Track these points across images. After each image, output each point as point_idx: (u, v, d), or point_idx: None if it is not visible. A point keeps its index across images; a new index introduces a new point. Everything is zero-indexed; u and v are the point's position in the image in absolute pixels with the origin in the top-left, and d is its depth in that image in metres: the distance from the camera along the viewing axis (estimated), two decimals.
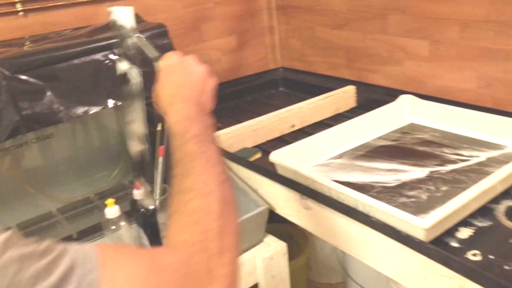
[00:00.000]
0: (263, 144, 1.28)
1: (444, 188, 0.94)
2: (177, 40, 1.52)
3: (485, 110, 1.16)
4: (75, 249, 0.40)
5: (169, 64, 0.64)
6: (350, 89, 1.46)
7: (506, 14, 1.07)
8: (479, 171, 0.98)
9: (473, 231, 0.86)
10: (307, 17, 1.62)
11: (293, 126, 1.34)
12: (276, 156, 1.05)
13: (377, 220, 0.82)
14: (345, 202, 0.89)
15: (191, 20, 1.56)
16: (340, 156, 1.13)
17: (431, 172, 1.00)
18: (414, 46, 1.30)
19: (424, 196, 0.92)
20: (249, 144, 1.25)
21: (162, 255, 0.45)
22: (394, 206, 0.89)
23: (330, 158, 1.12)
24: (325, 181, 0.92)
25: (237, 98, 1.64)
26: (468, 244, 0.83)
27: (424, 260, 0.75)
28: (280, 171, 1.05)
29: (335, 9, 1.50)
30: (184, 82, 0.61)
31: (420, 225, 0.74)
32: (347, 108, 1.45)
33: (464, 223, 0.87)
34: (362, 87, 1.48)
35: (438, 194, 0.92)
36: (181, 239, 0.47)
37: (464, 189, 0.85)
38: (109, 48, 0.98)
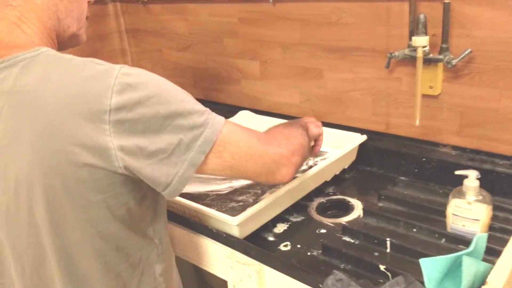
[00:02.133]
0: None
1: (268, 190, 1.06)
2: None
3: None
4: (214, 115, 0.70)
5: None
6: None
7: (314, 38, 1.25)
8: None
9: (288, 225, 0.99)
10: (155, 40, 1.69)
11: None
12: None
13: (195, 222, 0.92)
14: (174, 210, 0.96)
15: None
16: None
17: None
18: (248, 67, 1.44)
19: (251, 199, 1.03)
20: None
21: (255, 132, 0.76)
22: (223, 211, 0.99)
23: None
24: None
25: None
26: (282, 237, 0.95)
27: (231, 251, 0.85)
28: None
29: (178, 33, 1.59)
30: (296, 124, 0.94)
31: (231, 222, 0.84)
32: None
33: (282, 219, 1.00)
34: (209, 105, 1.56)
35: (262, 197, 1.03)
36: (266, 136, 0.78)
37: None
38: None
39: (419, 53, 0.94)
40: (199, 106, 0.68)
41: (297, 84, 1.34)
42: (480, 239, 0.74)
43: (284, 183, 0.85)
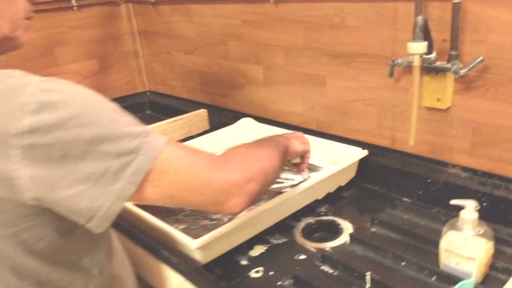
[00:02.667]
0: None
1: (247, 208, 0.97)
2: (28, 64, 1.50)
3: (311, 132, 1.22)
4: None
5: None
6: (202, 113, 1.49)
7: (317, 42, 1.15)
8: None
9: (267, 248, 0.90)
10: (164, 42, 1.64)
11: None
12: None
13: (149, 243, 0.84)
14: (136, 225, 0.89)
15: (43, 44, 1.53)
16: None
17: None
18: (251, 71, 1.36)
19: (226, 218, 0.94)
20: None
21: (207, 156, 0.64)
22: (192, 229, 0.92)
23: None
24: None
25: None
26: (256, 261, 0.86)
27: (181, 280, 0.77)
28: None
29: (185, 35, 1.53)
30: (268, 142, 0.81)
31: (190, 246, 0.76)
32: (200, 131, 1.48)
33: (261, 240, 0.91)
34: (216, 111, 1.52)
35: (241, 215, 0.94)
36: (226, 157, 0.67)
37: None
38: None
39: (416, 62, 0.82)
40: (133, 128, 0.57)
41: (300, 91, 1.25)
42: (464, 287, 0.62)
43: (236, 214, 0.74)
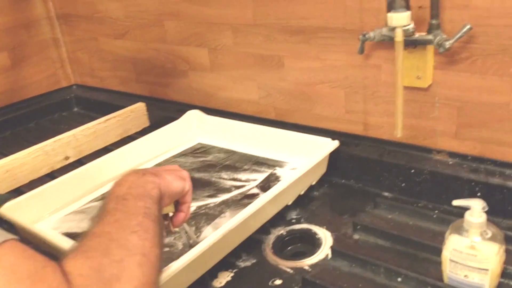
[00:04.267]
0: (25, 186, 1.05)
1: (205, 228, 0.80)
2: None
3: (269, 122, 1.07)
4: None
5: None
6: (140, 107, 1.28)
7: (270, 16, 0.98)
8: (244, 203, 0.86)
9: (233, 274, 0.74)
10: (88, 27, 1.41)
11: (67, 158, 1.13)
12: (10, 209, 0.83)
13: None
14: None
15: None
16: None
17: (198, 207, 0.87)
18: (195, 55, 1.17)
19: (180, 243, 0.77)
20: (3, 189, 1.02)
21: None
22: None
23: (91, 200, 0.93)
24: (51, 237, 0.74)
25: (15, 125, 1.38)
26: None
27: None
28: (18, 229, 0.83)
29: (113, 16, 1.31)
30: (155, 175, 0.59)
31: None
32: (139, 128, 1.27)
33: (226, 264, 0.75)
34: (155, 104, 1.32)
35: (195, 237, 0.77)
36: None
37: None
38: None
39: (398, 36, 0.67)
40: None
41: (254, 75, 1.08)
42: None
43: None
